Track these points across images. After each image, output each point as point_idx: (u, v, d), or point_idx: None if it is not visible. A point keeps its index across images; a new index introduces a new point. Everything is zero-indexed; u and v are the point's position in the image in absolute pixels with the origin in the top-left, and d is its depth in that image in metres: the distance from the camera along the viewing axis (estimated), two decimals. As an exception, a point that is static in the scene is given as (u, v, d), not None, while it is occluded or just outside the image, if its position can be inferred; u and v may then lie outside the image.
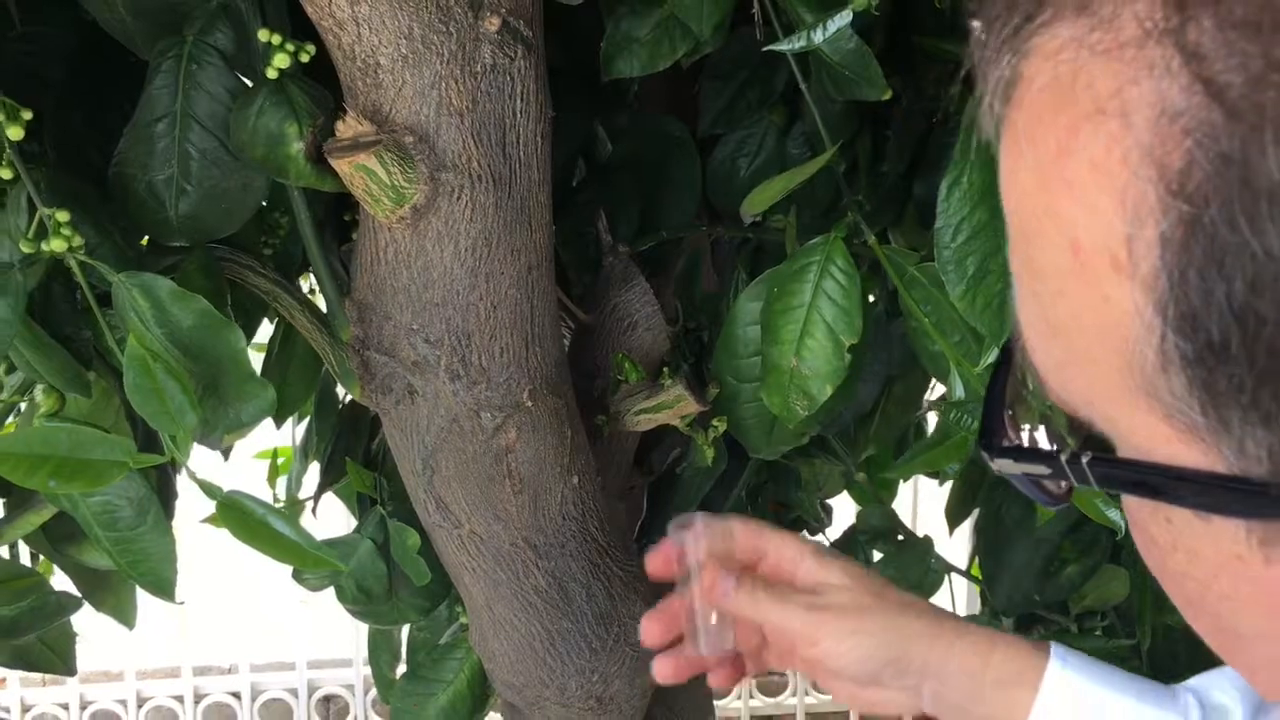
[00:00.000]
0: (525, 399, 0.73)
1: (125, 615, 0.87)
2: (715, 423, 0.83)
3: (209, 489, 0.62)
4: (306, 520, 1.14)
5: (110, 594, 0.86)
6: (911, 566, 1.14)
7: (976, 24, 0.27)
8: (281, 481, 1.32)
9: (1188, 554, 0.28)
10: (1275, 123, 0.21)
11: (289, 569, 0.78)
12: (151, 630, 1.27)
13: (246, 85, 0.68)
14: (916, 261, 0.71)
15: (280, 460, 1.35)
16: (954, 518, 1.36)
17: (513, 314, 0.72)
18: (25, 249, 0.61)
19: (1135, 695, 0.58)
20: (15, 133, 0.60)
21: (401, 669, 1.11)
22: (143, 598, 0.90)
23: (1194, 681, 0.58)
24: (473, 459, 0.74)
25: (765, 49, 0.69)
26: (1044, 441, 0.33)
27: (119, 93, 0.79)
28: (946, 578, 1.15)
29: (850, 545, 1.14)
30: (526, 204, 0.71)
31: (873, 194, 0.94)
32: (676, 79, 0.90)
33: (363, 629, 2.51)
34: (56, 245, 0.59)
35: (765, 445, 0.84)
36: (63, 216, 0.60)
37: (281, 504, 1.17)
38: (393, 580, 0.85)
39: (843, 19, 0.61)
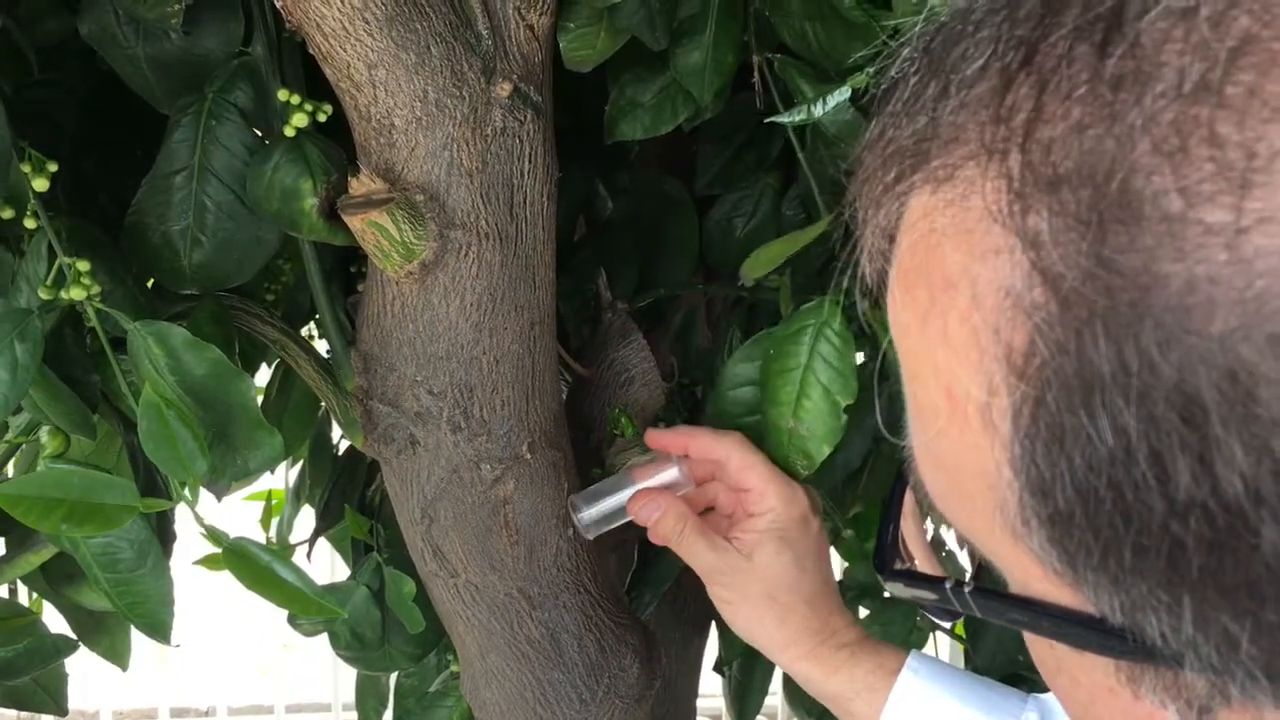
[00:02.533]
0: (524, 451, 0.75)
1: (120, 657, 0.88)
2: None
3: (215, 535, 0.63)
4: (299, 563, 1.15)
5: (105, 635, 0.87)
6: (896, 624, 1.15)
7: (856, 175, 0.29)
8: (273, 523, 1.33)
9: (1069, 679, 0.30)
10: (1104, 318, 0.22)
11: (269, 612, 0.80)
12: (129, 670, 1.27)
13: (263, 141, 0.70)
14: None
15: (273, 503, 1.37)
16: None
17: (515, 368, 0.74)
18: (44, 295, 0.63)
19: (979, 702, 0.63)
20: (40, 184, 0.61)
21: (388, 716, 1.11)
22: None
23: (1046, 695, 0.63)
24: (471, 509, 0.75)
25: (766, 120, 0.71)
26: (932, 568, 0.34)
27: (130, 141, 0.81)
28: (931, 635, 1.16)
29: (843, 589, 1.16)
30: (531, 262, 0.73)
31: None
32: (675, 140, 0.92)
33: (341, 674, 2.52)
34: (76, 293, 0.61)
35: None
36: (83, 266, 0.61)
37: (275, 547, 1.18)
38: (386, 627, 0.86)
39: (842, 94, 0.64)
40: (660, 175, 0.98)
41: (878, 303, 0.59)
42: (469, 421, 0.73)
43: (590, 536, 0.76)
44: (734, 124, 0.95)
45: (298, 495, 1.21)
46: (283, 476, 1.31)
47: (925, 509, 0.34)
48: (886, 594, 0.94)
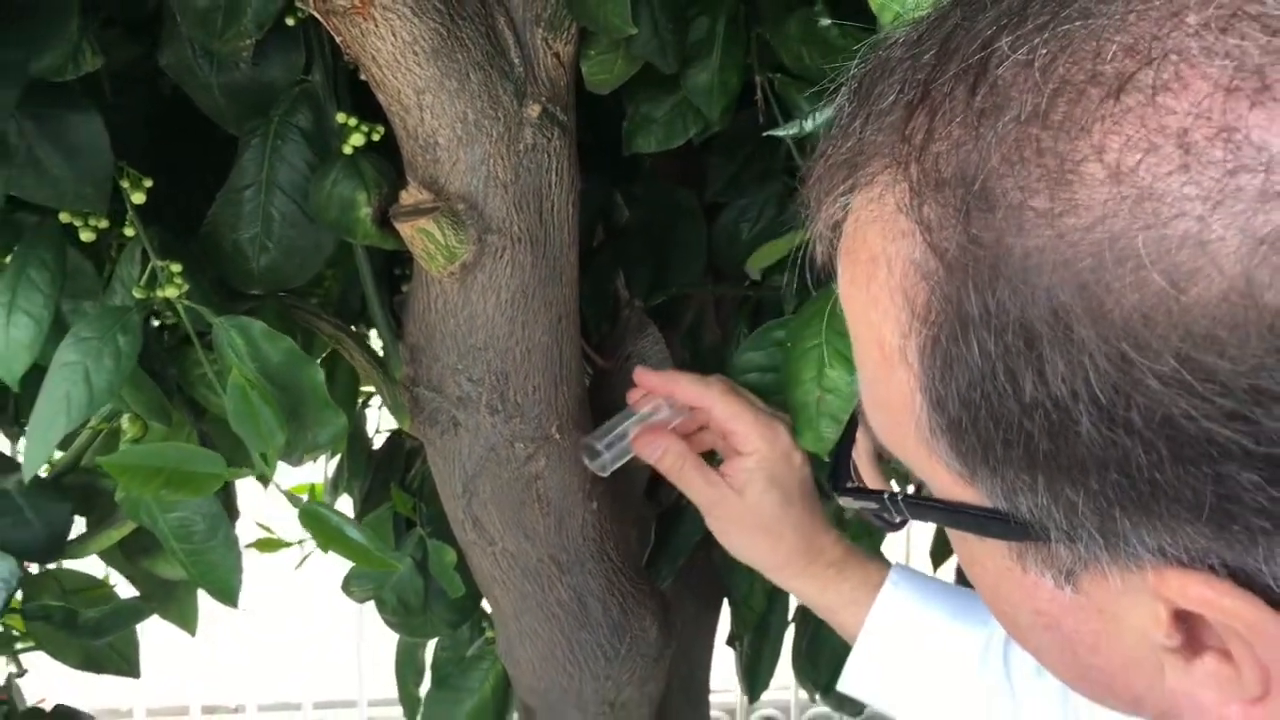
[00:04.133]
0: (554, 432, 0.84)
1: (188, 623, 0.97)
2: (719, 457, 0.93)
3: (294, 499, 0.72)
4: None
5: (175, 603, 0.96)
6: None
7: (809, 177, 0.39)
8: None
9: (980, 566, 0.39)
10: (973, 278, 0.31)
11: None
12: (161, 669, 1.36)
13: (321, 158, 0.79)
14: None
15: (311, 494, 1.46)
16: (938, 557, 1.46)
17: (544, 358, 0.83)
18: (138, 295, 0.72)
19: (953, 610, 0.72)
20: (139, 198, 0.71)
21: (424, 688, 1.20)
22: (150, 634, 1.00)
23: None
24: (507, 484, 0.84)
25: (765, 134, 0.80)
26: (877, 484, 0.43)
27: (191, 160, 0.90)
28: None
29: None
30: (558, 263, 0.82)
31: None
32: (685, 152, 1.01)
33: (367, 671, 2.60)
34: (170, 291, 0.70)
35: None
36: (175, 267, 0.71)
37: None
38: (428, 595, 0.95)
39: (830, 109, 0.73)
40: (672, 185, 1.07)
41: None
42: (505, 405, 0.82)
43: (606, 474, 0.83)
44: (740, 138, 1.03)
45: (335, 486, 1.30)
46: (322, 470, 1.40)
47: (874, 442, 0.43)
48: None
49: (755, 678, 1.31)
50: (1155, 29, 0.29)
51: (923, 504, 0.38)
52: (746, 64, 0.87)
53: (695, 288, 1.07)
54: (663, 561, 1.06)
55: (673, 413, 0.81)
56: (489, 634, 1.02)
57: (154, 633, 0.99)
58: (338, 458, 1.31)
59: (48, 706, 0.98)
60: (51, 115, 0.67)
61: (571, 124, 0.81)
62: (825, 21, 0.77)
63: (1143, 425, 0.29)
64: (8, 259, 0.75)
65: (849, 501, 0.44)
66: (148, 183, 0.72)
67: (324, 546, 0.72)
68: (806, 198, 0.39)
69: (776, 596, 1.27)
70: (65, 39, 0.65)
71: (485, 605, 1.05)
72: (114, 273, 0.75)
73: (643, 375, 0.83)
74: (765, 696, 2.91)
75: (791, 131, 0.76)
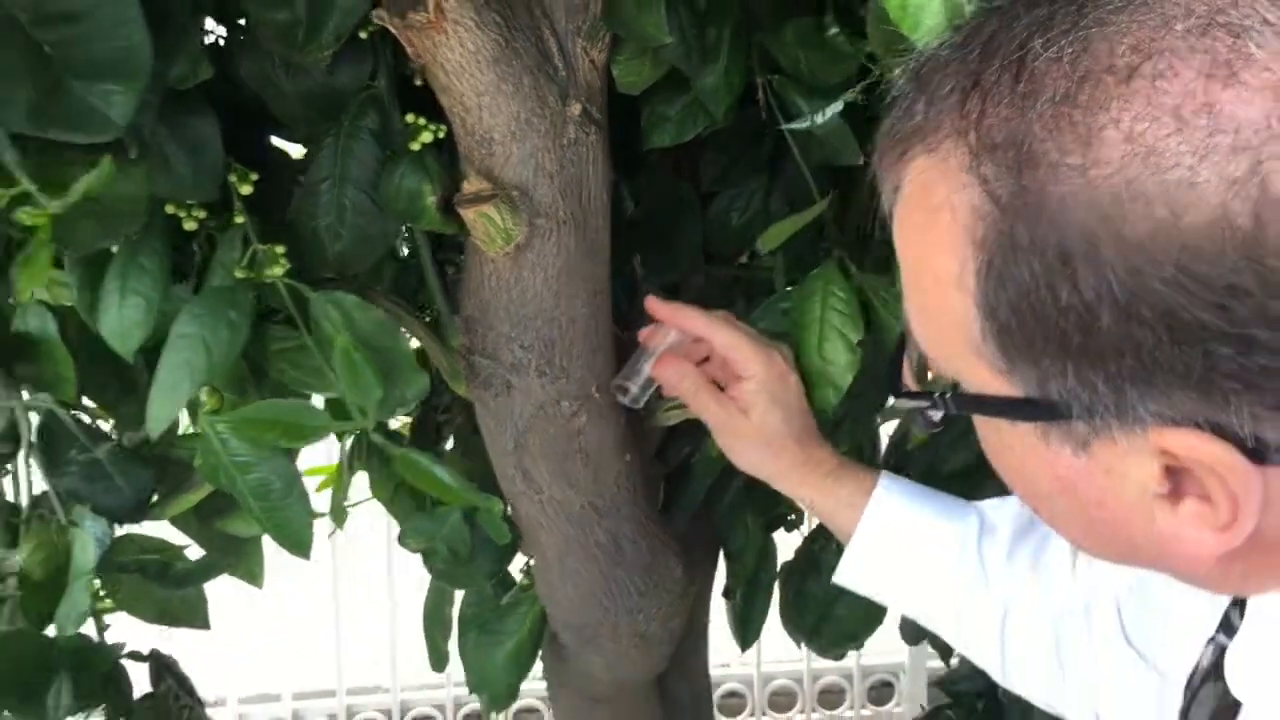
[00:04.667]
0: (593, 392, 0.96)
1: (255, 579, 1.07)
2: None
3: (387, 447, 0.83)
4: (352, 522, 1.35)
5: (243, 561, 1.06)
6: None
7: (876, 153, 0.51)
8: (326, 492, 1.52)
9: (1008, 449, 0.52)
10: (1022, 216, 0.43)
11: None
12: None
13: (387, 155, 0.90)
14: (889, 285, 0.95)
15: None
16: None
17: (584, 327, 0.94)
18: (239, 275, 0.83)
19: (935, 511, 0.85)
20: (246, 189, 0.81)
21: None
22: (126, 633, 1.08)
23: (983, 503, 0.84)
24: (553, 439, 0.96)
25: (780, 128, 0.93)
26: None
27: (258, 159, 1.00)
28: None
29: (820, 537, 1.37)
30: (595, 243, 0.94)
31: (841, 238, 1.18)
32: (679, 148, 1.13)
33: (346, 661, 2.67)
34: (276, 270, 0.81)
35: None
36: (279, 250, 0.81)
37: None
38: (474, 547, 1.06)
39: (835, 108, 0.86)
40: (674, 179, 1.19)
41: (862, 267, 0.81)
42: (552, 368, 0.94)
43: (639, 405, 0.94)
44: (732, 134, 1.16)
45: (351, 464, 1.40)
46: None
47: (916, 363, 0.55)
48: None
49: (747, 626, 1.43)
50: (1153, 34, 0.42)
51: (969, 398, 0.51)
52: (748, 67, 1.00)
53: (696, 268, 1.19)
54: (676, 510, 1.18)
55: (678, 343, 0.92)
56: (523, 583, 1.13)
57: (130, 631, 1.07)
58: (349, 440, 1.41)
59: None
60: (177, 118, 0.77)
61: (604, 121, 0.93)
62: (834, 30, 0.89)
63: (1150, 317, 0.41)
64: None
65: (904, 403, 0.57)
66: (254, 176, 0.83)
67: (418, 484, 0.83)
68: (875, 165, 0.51)
69: (766, 553, 1.40)
70: (190, 52, 0.76)
71: (514, 565, 1.17)
72: (214, 257, 0.85)
73: (655, 304, 0.94)
74: (779, 669, 3.10)
75: (802, 126, 0.89)
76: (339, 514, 1.32)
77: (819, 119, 0.88)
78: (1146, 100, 0.41)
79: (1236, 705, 0.54)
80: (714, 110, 1.00)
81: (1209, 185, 0.40)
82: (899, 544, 0.86)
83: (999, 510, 0.84)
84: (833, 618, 1.45)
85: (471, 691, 1.17)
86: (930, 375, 0.53)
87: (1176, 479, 0.46)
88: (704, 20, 0.94)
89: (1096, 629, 0.77)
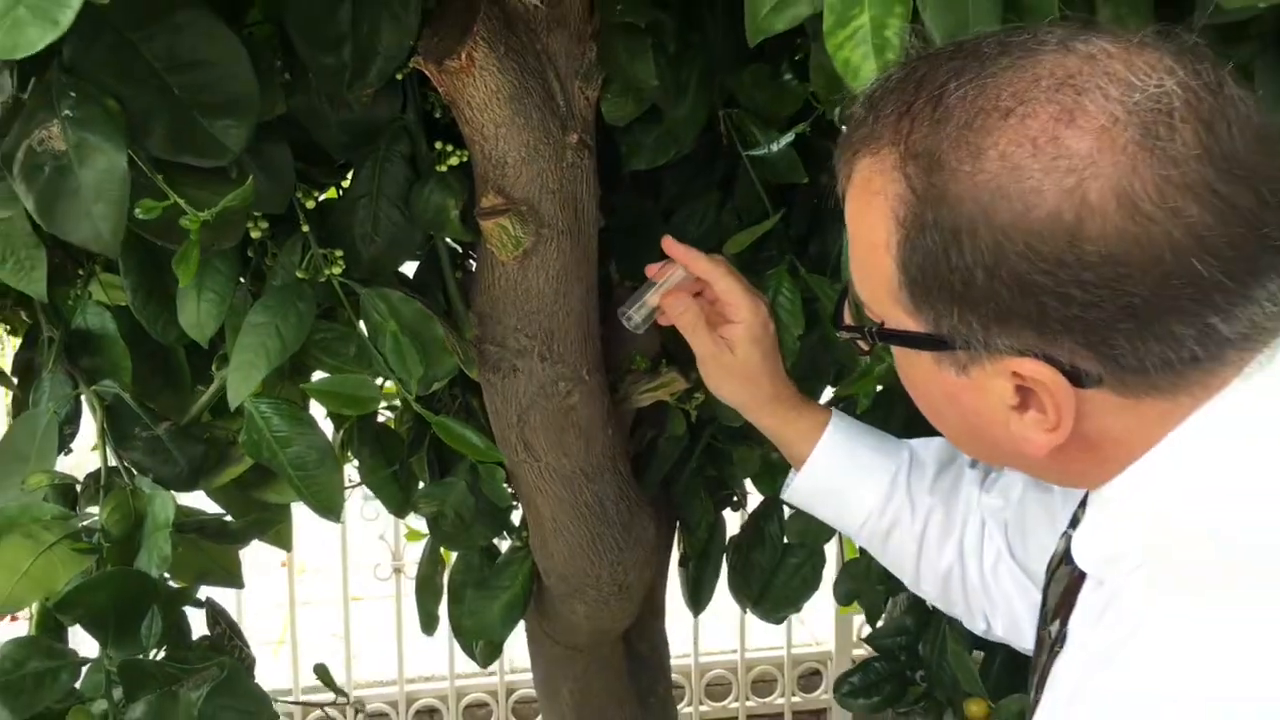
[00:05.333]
0: (585, 375, 1.14)
1: (285, 543, 1.23)
2: (696, 395, 1.25)
3: (426, 415, 1.00)
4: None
5: (274, 528, 1.22)
6: (812, 520, 1.57)
7: (835, 151, 0.71)
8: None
9: (916, 370, 0.72)
10: (930, 203, 0.62)
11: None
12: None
13: (415, 175, 1.08)
14: (831, 284, 1.15)
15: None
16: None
17: (578, 319, 1.13)
18: (301, 275, 1.00)
19: (873, 447, 1.05)
20: (310, 204, 0.98)
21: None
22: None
23: (914, 441, 1.04)
24: (551, 414, 1.14)
25: (740, 154, 1.12)
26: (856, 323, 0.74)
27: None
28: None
29: (772, 507, 1.56)
30: (586, 249, 1.12)
31: (786, 246, 1.38)
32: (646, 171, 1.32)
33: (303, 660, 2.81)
34: (336, 270, 0.98)
35: (734, 415, 1.26)
36: (339, 253, 0.98)
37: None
38: (476, 512, 1.23)
39: (788, 138, 1.06)
40: (639, 196, 1.37)
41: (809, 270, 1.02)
42: (551, 354, 1.12)
43: (641, 331, 1.08)
44: (688, 159, 1.35)
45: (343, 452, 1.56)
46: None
47: (855, 306, 0.74)
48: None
49: (699, 592, 1.62)
50: (1026, 87, 0.62)
51: (887, 332, 0.70)
52: (711, 101, 1.19)
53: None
54: (641, 485, 1.36)
55: (683, 281, 1.08)
56: (515, 545, 1.30)
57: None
58: (341, 433, 1.57)
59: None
60: (257, 145, 0.94)
61: (594, 147, 1.11)
62: (788, 76, 1.09)
63: (1007, 278, 0.61)
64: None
65: (844, 334, 0.76)
66: (316, 193, 1.00)
67: (450, 443, 1.00)
68: (835, 161, 0.70)
69: (716, 528, 1.58)
70: (272, 89, 0.93)
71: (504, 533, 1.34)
72: (277, 260, 1.02)
73: (670, 243, 1.08)
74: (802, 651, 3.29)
75: (759, 153, 1.08)
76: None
77: (774, 147, 1.07)
78: (1016, 132, 0.61)
79: (1082, 576, 0.74)
80: (683, 139, 1.19)
81: (1050, 192, 0.60)
82: (842, 472, 1.05)
83: (926, 448, 1.04)
84: (774, 585, 1.64)
85: (466, 640, 1.34)
86: (864, 315, 0.72)
87: (1023, 394, 0.66)
88: (677, 64, 1.13)
89: (988, 547, 0.98)
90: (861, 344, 0.74)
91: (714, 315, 1.07)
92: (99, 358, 1.14)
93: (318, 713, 3.05)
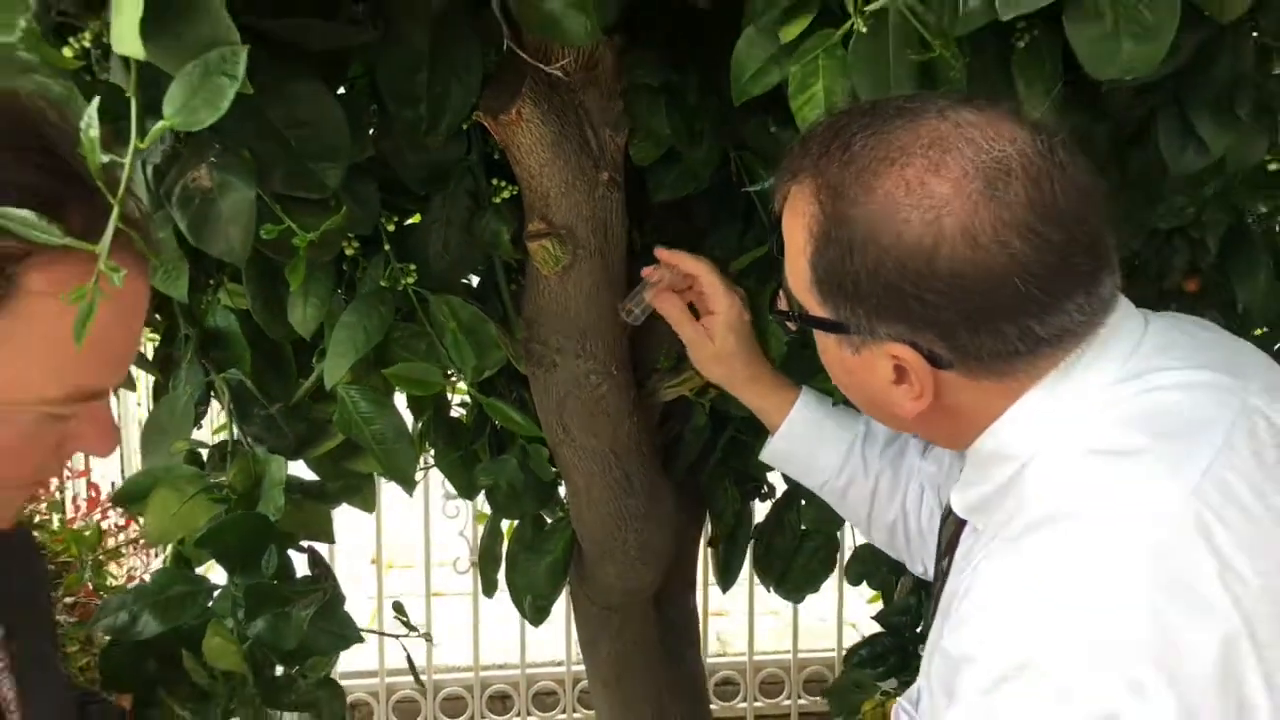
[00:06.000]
0: (613, 370, 1.38)
1: (369, 506, 1.49)
2: (711, 390, 1.48)
3: (479, 396, 1.26)
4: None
5: (359, 494, 1.48)
6: (826, 508, 1.78)
7: (775, 177, 0.94)
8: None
9: (827, 350, 0.95)
10: (835, 223, 0.86)
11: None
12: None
13: (476, 205, 1.33)
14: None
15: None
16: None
17: (607, 324, 1.37)
18: (384, 284, 1.26)
19: (835, 419, 1.27)
20: (391, 227, 1.24)
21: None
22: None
23: (868, 416, 1.25)
24: (584, 402, 1.38)
25: (745, 189, 1.36)
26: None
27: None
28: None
29: (792, 498, 1.78)
30: (615, 267, 1.37)
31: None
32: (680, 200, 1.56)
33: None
34: (410, 280, 1.24)
35: (740, 406, 1.49)
36: (413, 266, 1.24)
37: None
38: (525, 485, 1.48)
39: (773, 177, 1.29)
40: (674, 220, 1.61)
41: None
42: (585, 352, 1.37)
43: (639, 323, 1.33)
44: (713, 191, 1.59)
45: (422, 440, 1.82)
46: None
47: (785, 296, 0.97)
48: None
49: (727, 572, 1.84)
50: (906, 144, 0.84)
51: (804, 317, 0.93)
52: (724, 146, 1.43)
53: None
54: (673, 466, 1.60)
55: (672, 280, 1.31)
56: (559, 516, 1.55)
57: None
58: (420, 424, 1.83)
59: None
60: (351, 181, 1.20)
61: (622, 183, 1.36)
62: (773, 128, 1.33)
63: (884, 283, 0.84)
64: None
65: (775, 317, 0.99)
66: (396, 219, 1.26)
67: (499, 421, 1.25)
68: (774, 186, 0.94)
69: (742, 514, 1.81)
70: (363, 137, 1.19)
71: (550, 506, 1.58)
72: (365, 273, 1.28)
73: (662, 251, 1.32)
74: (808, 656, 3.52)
75: (759, 187, 1.32)
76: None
77: (769, 183, 1.31)
78: (897, 176, 0.84)
79: (963, 524, 0.96)
80: (700, 176, 1.43)
81: (915, 223, 0.83)
82: (808, 438, 1.28)
83: (878, 423, 1.26)
84: (794, 568, 1.86)
85: (518, 597, 1.59)
86: (791, 303, 0.95)
87: (899, 372, 0.88)
88: (694, 115, 1.37)
89: (925, 505, 1.20)
90: (789, 325, 0.97)
91: (702, 307, 1.31)
92: (225, 351, 1.42)
93: (401, 693, 3.34)
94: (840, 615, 3.47)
